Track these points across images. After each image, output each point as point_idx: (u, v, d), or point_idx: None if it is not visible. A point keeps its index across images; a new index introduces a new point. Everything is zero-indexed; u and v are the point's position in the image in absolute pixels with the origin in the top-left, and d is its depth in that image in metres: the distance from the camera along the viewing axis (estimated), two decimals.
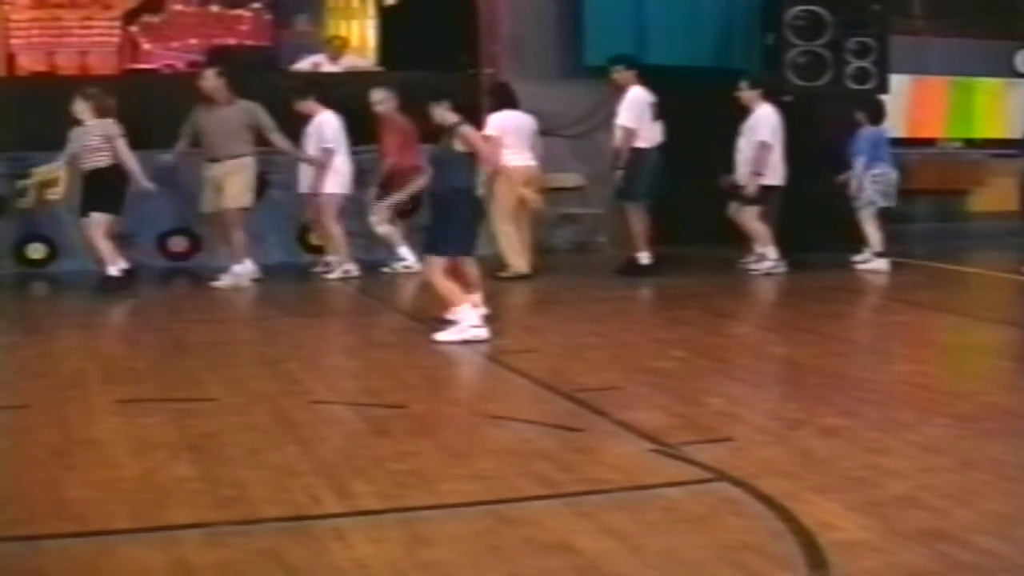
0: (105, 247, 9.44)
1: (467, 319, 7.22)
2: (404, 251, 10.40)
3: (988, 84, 13.29)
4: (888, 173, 10.54)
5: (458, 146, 7.45)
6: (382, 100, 10.46)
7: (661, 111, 10.11)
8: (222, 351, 7.36)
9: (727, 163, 10.42)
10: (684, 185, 10.17)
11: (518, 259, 9.83)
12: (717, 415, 5.66)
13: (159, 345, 7.52)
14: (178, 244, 10.80)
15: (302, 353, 7.35)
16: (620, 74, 10.22)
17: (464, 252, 7.60)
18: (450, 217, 7.44)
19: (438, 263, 7.40)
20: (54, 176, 9.57)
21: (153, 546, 3.84)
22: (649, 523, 4.03)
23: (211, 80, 9.88)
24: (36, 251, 10.49)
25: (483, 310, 7.52)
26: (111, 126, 9.51)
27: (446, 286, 7.33)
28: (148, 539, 3.91)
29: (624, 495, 4.35)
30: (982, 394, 6.15)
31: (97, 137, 9.48)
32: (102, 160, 9.52)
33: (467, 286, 7.52)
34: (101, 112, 9.52)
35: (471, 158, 7.54)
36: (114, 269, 9.45)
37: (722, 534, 3.91)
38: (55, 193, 9.64)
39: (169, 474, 4.62)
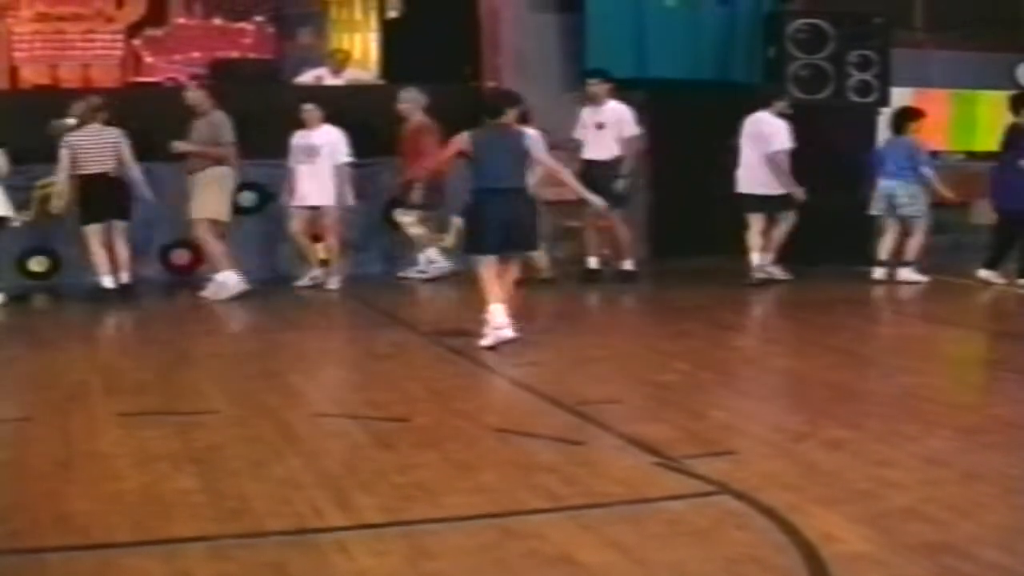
0: (100, 256, 9.62)
1: None
2: (432, 254, 10.57)
3: (990, 96, 13.28)
4: (882, 186, 10.56)
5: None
6: (409, 101, 10.57)
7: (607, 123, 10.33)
8: (225, 363, 7.37)
9: (728, 176, 10.42)
10: (686, 197, 10.17)
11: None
12: (720, 428, 5.66)
13: (161, 357, 7.53)
14: (180, 257, 10.80)
15: (305, 365, 7.34)
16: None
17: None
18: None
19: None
20: (61, 188, 9.59)
21: (156, 559, 3.84)
22: (652, 536, 4.03)
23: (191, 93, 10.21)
24: (38, 264, 10.48)
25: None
26: (119, 134, 9.58)
27: None
28: (151, 552, 3.91)
29: (627, 508, 4.34)
30: (986, 406, 6.15)
31: (109, 143, 9.54)
32: (109, 166, 9.55)
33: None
34: (109, 120, 9.61)
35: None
36: (108, 281, 9.60)
37: (725, 547, 3.91)
38: (58, 206, 9.65)
39: (172, 487, 4.62)
